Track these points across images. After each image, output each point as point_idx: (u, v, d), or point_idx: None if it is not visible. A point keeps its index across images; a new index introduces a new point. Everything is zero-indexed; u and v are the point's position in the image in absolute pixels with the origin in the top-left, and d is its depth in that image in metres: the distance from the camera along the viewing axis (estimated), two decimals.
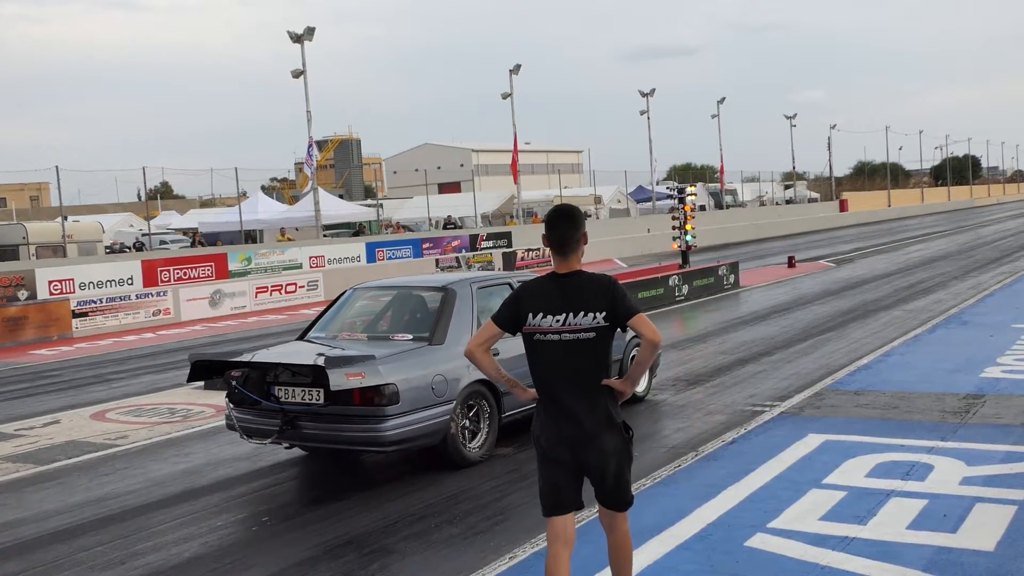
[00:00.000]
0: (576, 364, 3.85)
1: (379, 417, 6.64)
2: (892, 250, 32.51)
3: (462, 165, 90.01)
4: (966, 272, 22.23)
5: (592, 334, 3.83)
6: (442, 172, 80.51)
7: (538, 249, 33.32)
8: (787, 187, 71.15)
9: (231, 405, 7.27)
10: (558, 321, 3.84)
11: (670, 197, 29.50)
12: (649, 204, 51.06)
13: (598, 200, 52.16)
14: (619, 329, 3.89)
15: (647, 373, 9.42)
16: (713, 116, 55.82)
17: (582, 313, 3.82)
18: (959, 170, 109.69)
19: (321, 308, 10.53)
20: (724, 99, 56.08)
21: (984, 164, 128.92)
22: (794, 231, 51.26)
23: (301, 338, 8.09)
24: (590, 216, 49.63)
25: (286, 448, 7.64)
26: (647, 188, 52.64)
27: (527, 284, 4.05)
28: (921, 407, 8.57)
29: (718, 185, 58.78)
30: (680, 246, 21.89)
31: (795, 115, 65.60)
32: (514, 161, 38.05)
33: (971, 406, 8.45)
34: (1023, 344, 11.54)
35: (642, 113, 48.78)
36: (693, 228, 22.18)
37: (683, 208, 21.95)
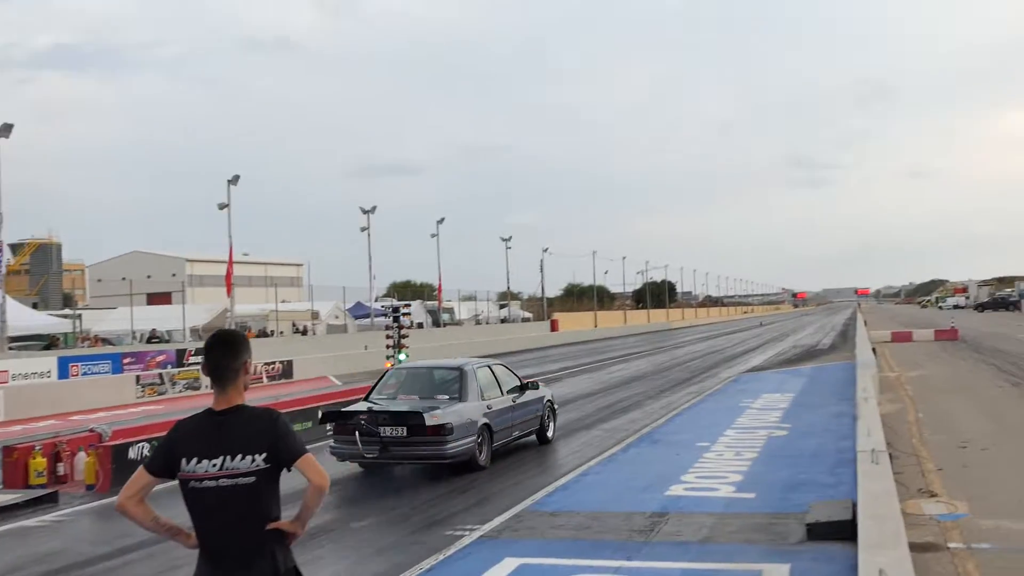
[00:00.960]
0: (237, 512, 3.53)
1: (442, 443, 11.43)
2: (596, 369, 34.35)
3: (174, 275, 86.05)
4: (660, 392, 23.85)
5: (252, 479, 3.53)
6: (152, 281, 76.56)
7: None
8: (502, 306, 73.91)
9: (334, 439, 12.03)
10: (215, 466, 3.52)
11: (385, 315, 29.72)
12: (368, 320, 51.15)
13: (315, 315, 51.62)
14: (285, 470, 3.63)
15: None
16: (433, 235, 57.41)
17: (240, 456, 3.52)
18: (657, 294, 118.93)
19: None
20: (443, 219, 58.00)
21: (679, 289, 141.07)
22: (508, 349, 52.97)
23: (366, 398, 12.81)
24: (308, 332, 48.90)
25: (370, 460, 12.09)
26: (366, 304, 52.81)
27: (181, 424, 3.70)
28: (611, 526, 8.94)
29: (436, 303, 60.04)
30: (394, 364, 21.94)
31: (511, 237, 68.80)
32: (228, 272, 37.04)
33: (655, 524, 8.93)
34: (705, 462, 12.42)
35: (363, 229, 49.27)
36: (407, 347, 22.35)
37: (398, 326, 22.12)
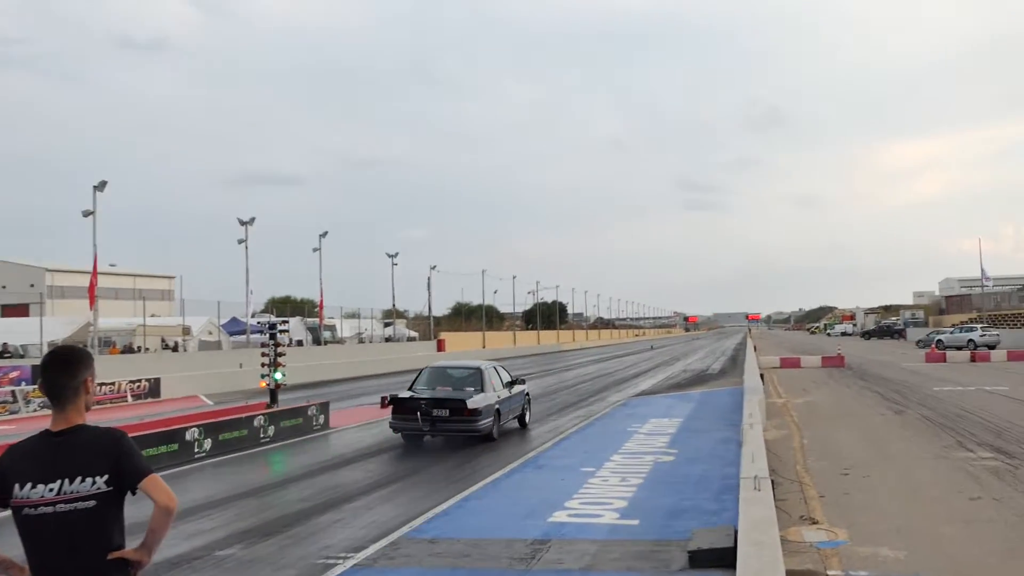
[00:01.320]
0: (76, 541, 3.36)
1: (475, 421, 16.42)
2: None
3: (32, 285, 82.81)
4: (547, 415, 24.00)
5: (92, 503, 3.38)
6: (8, 292, 73.48)
7: (113, 383, 31.19)
8: (387, 324, 73.34)
9: (393, 417, 17.12)
10: (51, 490, 3.35)
11: (262, 332, 29.14)
12: (243, 337, 50.05)
13: (187, 331, 50.27)
14: (130, 493, 3.50)
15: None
16: (315, 249, 56.57)
17: (80, 478, 3.37)
18: (548, 315, 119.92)
19: None
20: (326, 233, 57.18)
21: (571, 310, 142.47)
22: (393, 369, 52.62)
23: (410, 388, 17.91)
24: (178, 348, 47.58)
25: (427, 439, 17.73)
26: (241, 320, 51.66)
27: (14, 448, 3.51)
28: (492, 554, 8.94)
29: (317, 320, 59.19)
30: (268, 384, 21.53)
31: (397, 253, 68.32)
32: (92, 284, 35.70)
33: (537, 551, 8.96)
34: (590, 487, 12.55)
35: (240, 241, 48.20)
36: (284, 365, 21.94)
37: (274, 343, 21.70)
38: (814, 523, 9.97)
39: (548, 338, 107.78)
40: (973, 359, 44.15)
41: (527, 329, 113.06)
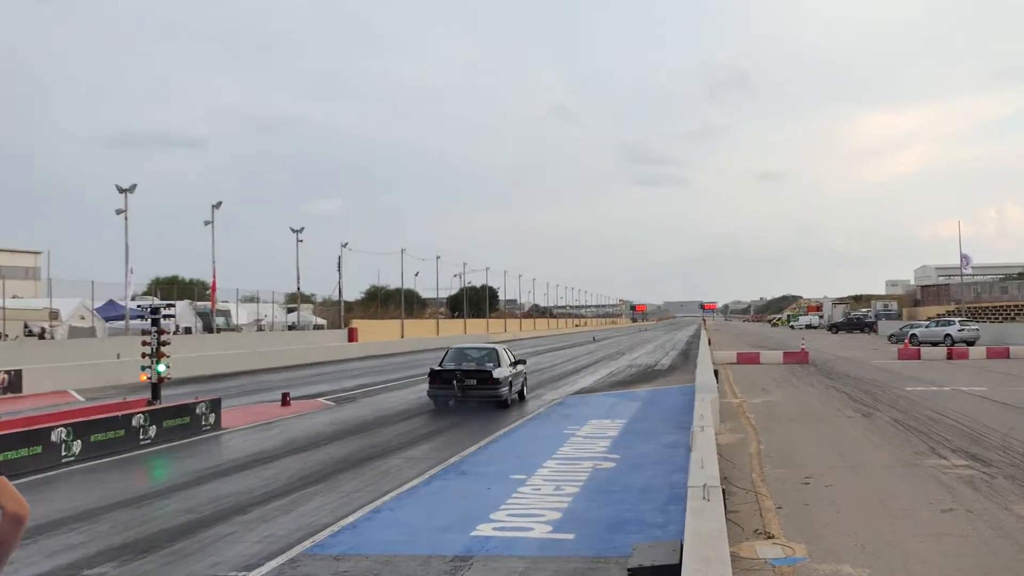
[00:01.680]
0: None
1: (498, 388, 24.21)
2: (401, 387, 34.33)
3: None
4: (471, 416, 24.05)
5: None
6: None
7: None
8: (291, 310, 72.79)
9: (431, 386, 24.89)
10: None
11: (143, 317, 28.72)
12: (122, 323, 49.26)
13: (55, 315, 49.29)
14: None
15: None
16: (207, 222, 55.82)
17: None
18: (476, 301, 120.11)
19: None
20: (221, 203, 56.49)
21: (502, 296, 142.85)
22: (296, 362, 52.31)
23: (440, 366, 25.28)
24: (45, 335, 46.63)
25: (455, 403, 24.73)
26: (120, 303, 50.85)
27: None
28: (406, 572, 8.96)
29: (208, 304, 58.49)
30: (150, 378, 21.23)
31: (303, 228, 67.75)
32: None
33: (458, 570, 9.00)
34: (520, 497, 12.64)
35: (119, 212, 47.33)
36: (168, 356, 21.65)
37: (157, 331, 21.38)
38: (769, 537, 10.16)
39: (476, 327, 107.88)
40: (950, 356, 45.27)
41: (452, 317, 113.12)
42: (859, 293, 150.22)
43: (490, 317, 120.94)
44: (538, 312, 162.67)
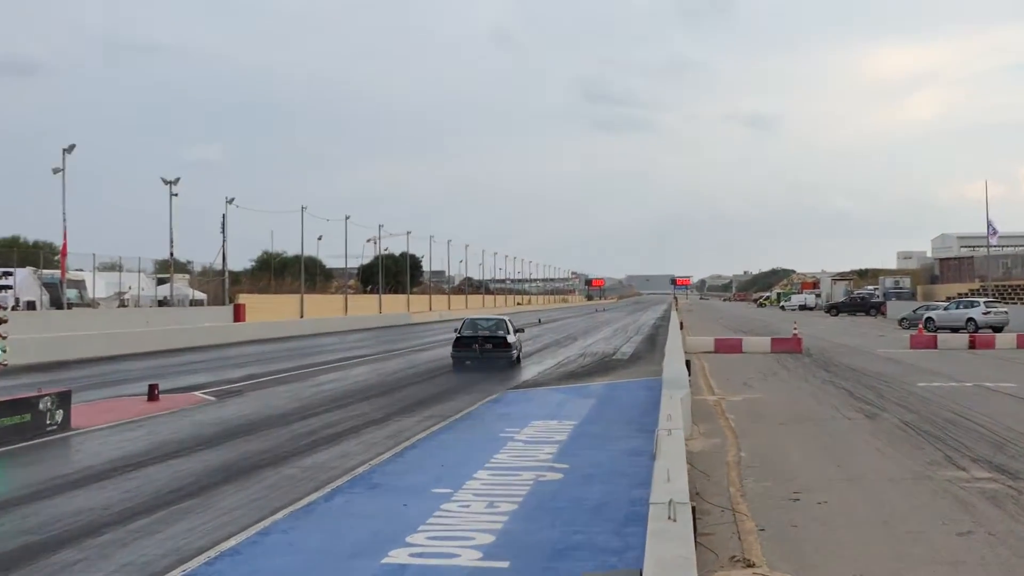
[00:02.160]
0: None
1: (510, 351, 38.37)
2: (297, 379, 34.21)
3: None
4: (387, 415, 24.01)
5: None
6: None
7: None
8: (161, 282, 72.10)
9: (454, 349, 38.65)
10: None
11: None
12: None
13: None
14: None
15: None
16: (57, 170, 54.97)
17: None
18: (395, 273, 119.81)
19: None
20: (73, 147, 55.66)
21: (426, 267, 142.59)
22: (168, 346, 51.83)
23: (458, 333, 39.39)
24: None
25: (471, 362, 37.50)
26: None
27: None
28: None
29: (58, 272, 57.68)
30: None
31: (178, 179, 67.01)
32: None
33: None
34: (442, 516, 12.63)
35: None
36: (5, 337, 21.36)
37: None
38: (749, 566, 10.25)
39: (394, 305, 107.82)
40: (972, 345, 45.97)
41: (365, 292, 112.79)
42: (864, 267, 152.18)
43: (412, 293, 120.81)
44: (471, 287, 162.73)
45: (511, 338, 38.42)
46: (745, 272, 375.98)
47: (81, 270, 61.71)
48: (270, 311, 75.87)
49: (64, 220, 54.51)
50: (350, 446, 19.17)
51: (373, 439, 19.99)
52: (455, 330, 39.92)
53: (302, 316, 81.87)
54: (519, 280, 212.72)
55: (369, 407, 25.72)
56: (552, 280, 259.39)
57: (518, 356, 40.05)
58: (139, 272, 68.86)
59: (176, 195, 66.46)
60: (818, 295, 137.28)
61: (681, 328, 54.84)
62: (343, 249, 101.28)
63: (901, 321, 71.50)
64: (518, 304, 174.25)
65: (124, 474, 16.29)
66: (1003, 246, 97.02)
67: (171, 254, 69.73)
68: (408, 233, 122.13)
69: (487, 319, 41.90)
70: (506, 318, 41.63)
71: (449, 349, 39.50)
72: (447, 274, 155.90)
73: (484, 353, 37.46)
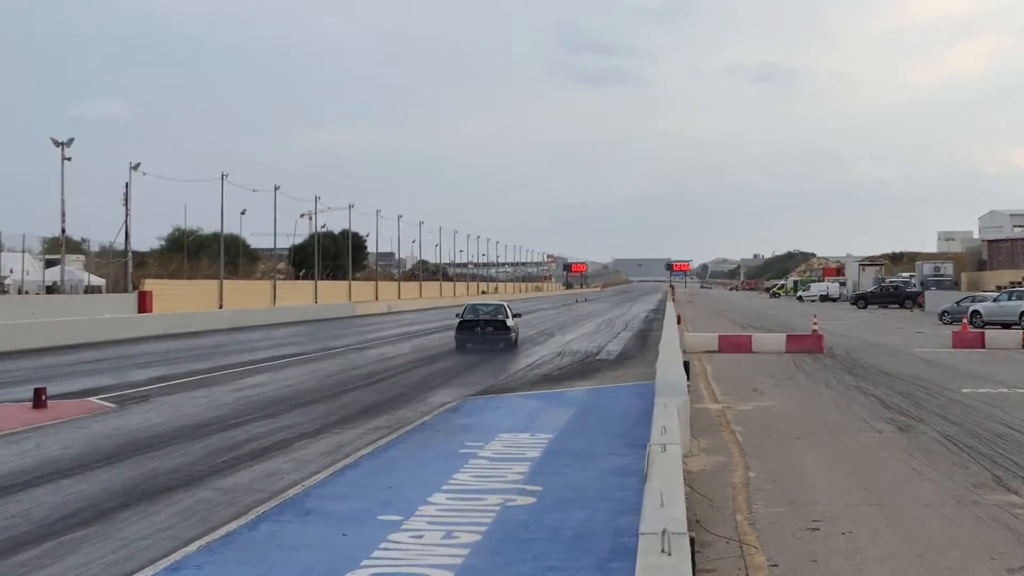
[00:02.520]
0: None
1: (509, 334, 50.48)
2: (218, 383, 34.06)
3: None
4: (324, 425, 24.00)
5: None
6: None
7: None
8: (51, 264, 71.75)
9: (458, 332, 50.22)
10: None
11: None
12: None
13: None
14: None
15: None
16: None
17: None
18: (334, 255, 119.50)
19: None
20: None
21: (374, 248, 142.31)
22: (59, 342, 51.60)
23: (461, 318, 50.93)
24: None
25: (471, 346, 48.91)
26: None
27: None
28: None
29: None
30: None
31: (70, 140, 66.61)
32: None
33: None
34: (390, 548, 12.63)
35: None
36: None
37: None
38: None
39: (333, 294, 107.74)
40: None
41: (298, 278, 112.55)
42: (898, 251, 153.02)
43: (355, 279, 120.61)
44: (427, 272, 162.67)
45: (510, 322, 50.09)
46: (756, 256, 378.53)
47: None
48: (183, 300, 75.65)
49: None
50: (279, 464, 19.13)
51: (307, 455, 19.95)
52: (457, 315, 51.51)
53: (221, 307, 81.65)
54: (484, 264, 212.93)
55: (302, 416, 25.68)
56: (524, 264, 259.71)
57: (516, 339, 51.55)
58: (23, 252, 68.50)
59: (69, 159, 66.12)
60: (843, 283, 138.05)
61: (678, 322, 54.95)
62: (272, 226, 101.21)
63: (942, 315, 71.70)
64: (483, 292, 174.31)
65: (5, 497, 16.21)
66: None
67: (62, 231, 69.42)
68: (350, 207, 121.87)
69: (487, 305, 56.12)
70: (505, 304, 55.35)
71: (402, 345, 46.20)
72: (397, 257, 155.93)
73: (485, 335, 49.14)
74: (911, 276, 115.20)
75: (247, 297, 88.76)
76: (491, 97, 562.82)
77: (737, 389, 30.14)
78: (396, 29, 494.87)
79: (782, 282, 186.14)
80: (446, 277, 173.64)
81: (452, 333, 50.39)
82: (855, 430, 22.63)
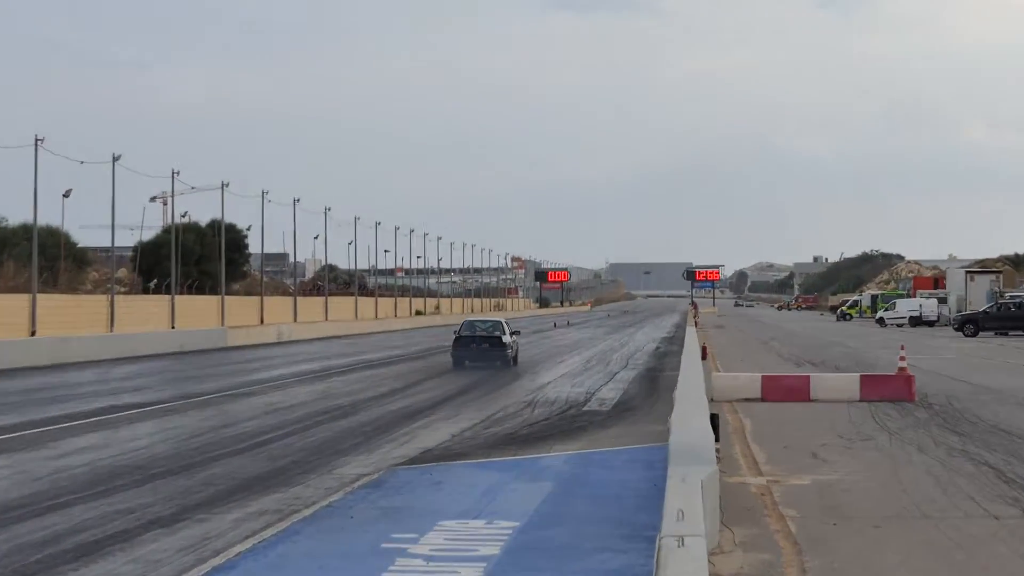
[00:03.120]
0: None
1: (505, 352, 75.28)
2: (29, 446, 34.14)
3: None
4: (185, 509, 23.92)
5: None
6: None
7: None
8: None
9: (454, 349, 75.73)
10: None
11: None
12: None
13: None
14: None
15: None
16: None
17: None
18: (198, 259, 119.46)
19: None
20: None
21: (255, 248, 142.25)
22: None
23: (457, 335, 76.57)
24: None
25: (468, 364, 71.55)
26: None
27: None
28: None
29: None
30: None
31: None
32: None
33: None
34: None
35: None
36: None
37: None
38: None
39: (200, 314, 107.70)
40: None
41: (147, 291, 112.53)
42: (1023, 252, 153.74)
43: (231, 291, 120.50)
44: (338, 284, 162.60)
45: (506, 339, 68.83)
46: (815, 259, 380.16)
47: None
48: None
49: None
50: (116, 566, 19.06)
51: (157, 554, 19.88)
52: (454, 332, 70.82)
53: (34, 333, 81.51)
54: (425, 271, 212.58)
55: (152, 495, 25.62)
56: (480, 271, 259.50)
57: (514, 357, 70.44)
58: None
59: None
60: (942, 300, 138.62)
61: (704, 357, 55.07)
62: (108, 216, 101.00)
63: None
64: (417, 313, 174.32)
65: None
66: None
67: None
68: (224, 186, 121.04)
69: (484, 321, 78.56)
70: (502, 320, 76.85)
71: (299, 390, 49.68)
72: (292, 260, 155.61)
73: (481, 351, 67.84)
74: None
75: (73, 319, 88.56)
76: (431, 25, 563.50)
77: (789, 455, 30.17)
78: None
79: (855, 298, 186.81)
80: (364, 290, 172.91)
81: (375, 371, 58.54)
82: (961, 515, 22.64)
